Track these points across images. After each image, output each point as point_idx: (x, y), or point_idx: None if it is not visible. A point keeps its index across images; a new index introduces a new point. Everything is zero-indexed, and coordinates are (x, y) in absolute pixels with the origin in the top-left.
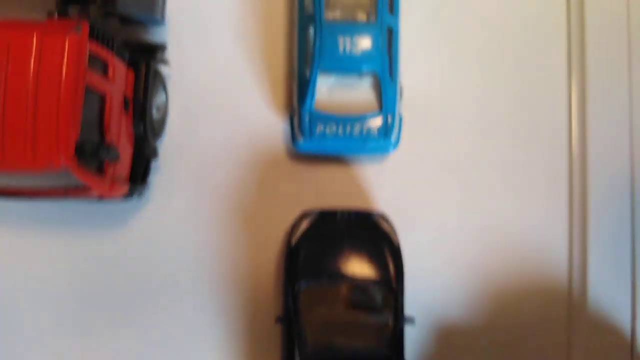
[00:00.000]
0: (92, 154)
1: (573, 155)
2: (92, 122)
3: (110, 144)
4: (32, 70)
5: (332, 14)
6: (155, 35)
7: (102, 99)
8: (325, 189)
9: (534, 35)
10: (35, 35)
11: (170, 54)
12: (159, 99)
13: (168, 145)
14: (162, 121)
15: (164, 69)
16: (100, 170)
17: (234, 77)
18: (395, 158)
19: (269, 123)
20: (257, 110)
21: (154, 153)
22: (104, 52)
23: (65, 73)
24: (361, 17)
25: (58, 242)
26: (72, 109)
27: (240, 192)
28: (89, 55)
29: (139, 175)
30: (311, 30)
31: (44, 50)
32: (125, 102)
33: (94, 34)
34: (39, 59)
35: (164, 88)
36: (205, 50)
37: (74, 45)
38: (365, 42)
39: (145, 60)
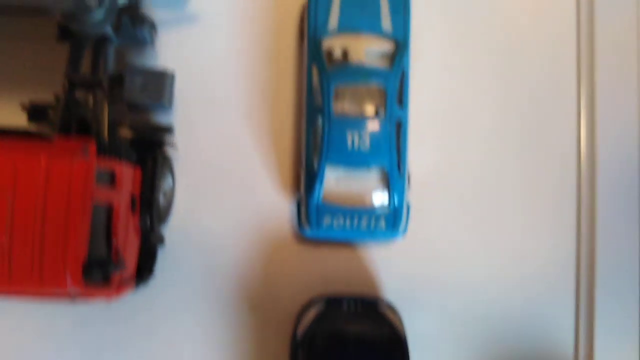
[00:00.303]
0: (99, 272)
1: (581, 239)
2: (99, 234)
3: (118, 256)
4: (39, 194)
5: (341, 105)
6: (162, 116)
7: (109, 210)
8: (332, 272)
9: (542, 112)
10: (42, 160)
11: (178, 134)
12: (166, 184)
13: (174, 227)
14: (169, 206)
15: (171, 150)
16: (107, 279)
17: (241, 157)
18: (403, 242)
19: (276, 204)
20: (263, 190)
21: (160, 240)
22: (111, 163)
23: (73, 196)
24: (369, 109)
25: (65, 324)
26: (79, 232)
27: (246, 275)
28: (96, 172)
29: (146, 268)
30: (319, 121)
31: (51, 174)
32: (132, 201)
33: (101, 150)
34: (45, 183)
35: (171, 171)
36: (213, 131)
37: (81, 169)
38: (373, 139)
39: (152, 152)
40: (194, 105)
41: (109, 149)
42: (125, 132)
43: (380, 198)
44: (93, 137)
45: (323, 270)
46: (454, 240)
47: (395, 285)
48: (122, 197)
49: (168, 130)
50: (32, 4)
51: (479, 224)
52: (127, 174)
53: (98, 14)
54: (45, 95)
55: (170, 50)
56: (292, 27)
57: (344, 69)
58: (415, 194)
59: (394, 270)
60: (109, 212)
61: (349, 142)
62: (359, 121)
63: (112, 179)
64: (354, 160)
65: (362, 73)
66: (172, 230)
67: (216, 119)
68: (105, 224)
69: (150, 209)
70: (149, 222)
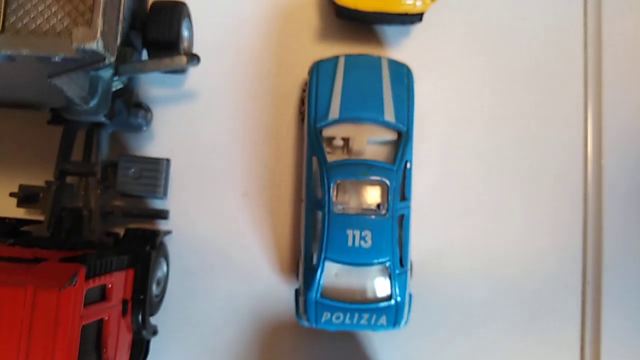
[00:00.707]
0: None
1: (585, 327)
2: (87, 349)
3: None
4: (24, 323)
5: (342, 197)
6: (157, 200)
7: (100, 323)
8: (332, 359)
9: (548, 198)
10: (28, 290)
11: (173, 215)
12: (160, 272)
13: (168, 311)
14: (162, 293)
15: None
16: None
17: (237, 239)
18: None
19: (273, 287)
20: (260, 273)
21: (153, 333)
22: (102, 279)
23: (60, 324)
24: (371, 204)
25: None
26: (67, 357)
27: None
28: (86, 292)
29: None
30: (319, 216)
31: (37, 303)
32: (124, 305)
33: (91, 273)
34: (31, 312)
35: (166, 257)
36: (209, 212)
37: (69, 298)
38: (375, 236)
39: (146, 247)
40: (190, 185)
41: (99, 267)
42: (118, 218)
43: (381, 291)
44: (85, 251)
45: (322, 357)
46: (457, 326)
47: None
48: (113, 307)
49: (163, 216)
50: (24, 101)
51: (481, 308)
52: (119, 283)
53: (91, 104)
54: (37, 175)
55: (167, 130)
56: (291, 106)
57: (345, 164)
58: (417, 277)
59: (395, 356)
60: (99, 325)
61: (350, 240)
62: (360, 219)
63: (102, 293)
64: (355, 257)
65: (364, 168)
66: (166, 315)
67: (213, 199)
68: (95, 337)
69: (143, 308)
70: (140, 320)
